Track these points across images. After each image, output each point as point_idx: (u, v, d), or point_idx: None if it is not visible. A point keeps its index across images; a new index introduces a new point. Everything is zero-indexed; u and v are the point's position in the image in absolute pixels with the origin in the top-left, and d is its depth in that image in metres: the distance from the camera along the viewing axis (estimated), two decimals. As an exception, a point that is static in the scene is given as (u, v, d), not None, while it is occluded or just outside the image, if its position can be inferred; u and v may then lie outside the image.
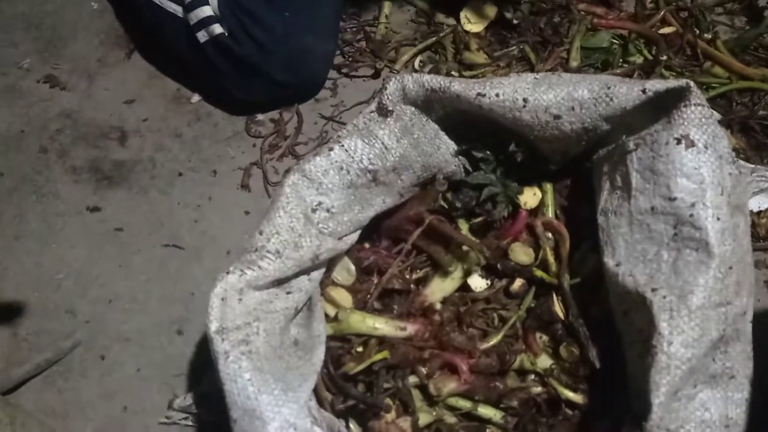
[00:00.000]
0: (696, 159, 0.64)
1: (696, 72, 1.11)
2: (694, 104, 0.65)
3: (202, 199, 1.10)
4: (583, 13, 1.17)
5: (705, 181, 0.64)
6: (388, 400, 0.75)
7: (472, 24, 1.19)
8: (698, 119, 0.65)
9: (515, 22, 1.17)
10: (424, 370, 0.77)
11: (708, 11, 1.18)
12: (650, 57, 1.12)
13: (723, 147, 0.65)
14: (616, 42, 1.15)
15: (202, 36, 1.07)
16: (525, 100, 0.72)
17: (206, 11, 1.06)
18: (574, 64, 1.11)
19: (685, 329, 0.61)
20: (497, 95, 0.72)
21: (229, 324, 0.66)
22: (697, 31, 1.14)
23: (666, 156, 0.65)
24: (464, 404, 0.77)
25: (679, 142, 0.65)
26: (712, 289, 0.62)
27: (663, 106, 0.68)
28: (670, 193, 0.65)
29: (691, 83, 0.66)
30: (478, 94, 0.72)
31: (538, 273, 0.80)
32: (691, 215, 0.64)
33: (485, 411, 0.77)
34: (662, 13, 1.16)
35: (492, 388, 0.77)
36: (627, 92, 0.68)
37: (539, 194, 0.83)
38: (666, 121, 0.67)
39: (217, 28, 1.05)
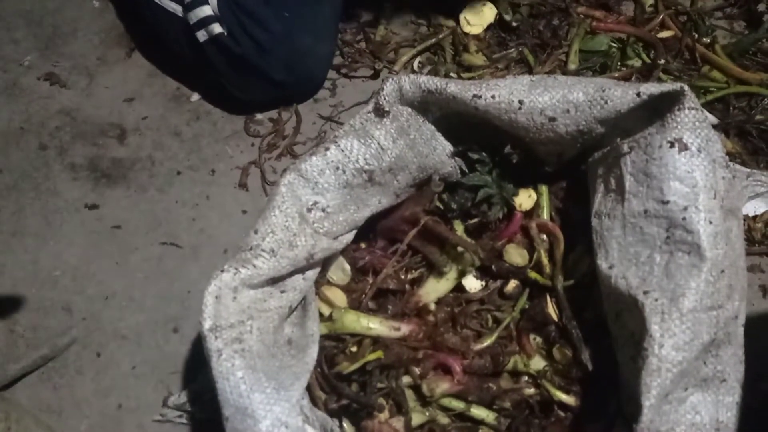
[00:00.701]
0: (689, 162, 0.64)
1: (694, 76, 1.11)
2: (688, 108, 0.65)
3: (200, 197, 1.10)
4: (582, 16, 1.17)
5: (698, 185, 0.64)
6: (382, 400, 0.76)
7: (471, 26, 1.19)
8: (692, 123, 0.65)
9: (514, 24, 1.17)
10: (417, 371, 0.77)
11: (707, 15, 1.18)
12: (648, 61, 1.12)
13: (716, 151, 0.65)
14: (615, 45, 1.15)
15: (201, 35, 1.07)
16: (521, 102, 0.72)
17: (206, 11, 1.06)
18: (572, 66, 1.12)
19: (677, 332, 0.61)
20: (493, 97, 0.72)
21: (223, 322, 0.66)
22: (696, 35, 1.14)
23: (659, 159, 0.66)
24: (457, 405, 0.77)
25: (672, 145, 0.65)
26: (704, 292, 0.62)
27: (657, 110, 0.68)
28: (663, 197, 0.65)
29: (686, 87, 0.66)
30: (474, 95, 0.72)
31: (533, 275, 0.80)
32: (684, 218, 0.64)
33: (478, 412, 0.77)
34: (661, 16, 1.16)
35: (485, 389, 0.77)
36: (622, 95, 0.69)
37: (534, 196, 0.83)
38: (660, 124, 0.67)
39: (217, 28, 1.05)
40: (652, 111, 0.68)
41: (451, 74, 1.15)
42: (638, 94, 0.68)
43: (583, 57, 1.13)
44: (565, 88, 0.71)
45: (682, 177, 0.64)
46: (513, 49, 1.17)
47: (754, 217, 0.98)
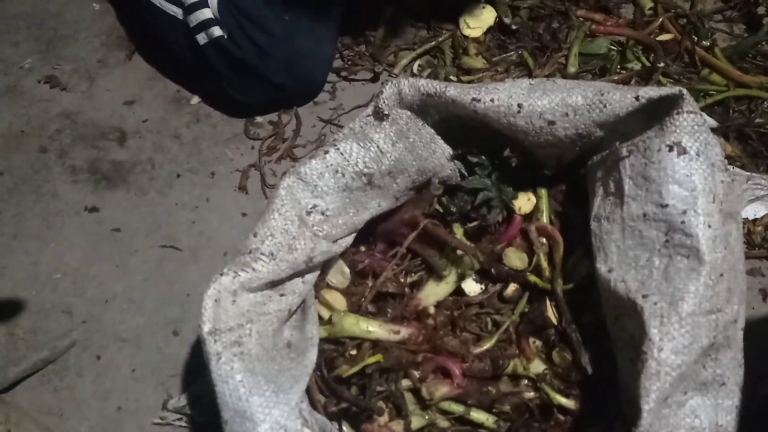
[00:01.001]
0: (688, 166, 0.64)
1: (693, 79, 1.11)
2: (687, 112, 0.65)
3: (199, 200, 1.11)
4: (581, 19, 1.17)
5: (697, 189, 0.64)
6: (381, 404, 0.76)
7: (471, 29, 1.19)
8: (691, 127, 0.65)
9: (514, 27, 1.18)
10: (417, 374, 0.77)
11: (707, 18, 1.18)
12: (648, 64, 1.12)
13: (715, 155, 0.65)
14: (614, 48, 1.15)
15: (201, 38, 1.07)
16: (520, 105, 0.72)
17: (206, 14, 1.06)
18: (572, 70, 1.12)
19: (676, 336, 0.61)
20: (492, 100, 0.72)
21: (222, 325, 0.66)
22: (696, 38, 1.14)
23: (658, 163, 0.66)
24: (457, 408, 0.77)
25: (671, 149, 0.65)
26: (703, 296, 0.62)
27: (656, 113, 0.68)
28: (662, 200, 0.65)
29: (684, 91, 0.66)
30: (473, 99, 0.73)
31: (532, 278, 0.80)
32: (683, 222, 0.64)
33: (478, 415, 0.77)
34: (660, 19, 1.16)
35: (485, 392, 0.77)
36: (620, 99, 0.69)
37: (534, 199, 0.83)
38: (659, 128, 0.67)
39: (217, 31, 1.06)
40: (650, 115, 0.68)
41: (451, 77, 1.15)
42: (637, 98, 0.68)
43: (582, 60, 1.13)
44: (564, 91, 0.71)
45: (681, 181, 0.64)
46: (513, 52, 1.17)
47: (754, 221, 0.98)
